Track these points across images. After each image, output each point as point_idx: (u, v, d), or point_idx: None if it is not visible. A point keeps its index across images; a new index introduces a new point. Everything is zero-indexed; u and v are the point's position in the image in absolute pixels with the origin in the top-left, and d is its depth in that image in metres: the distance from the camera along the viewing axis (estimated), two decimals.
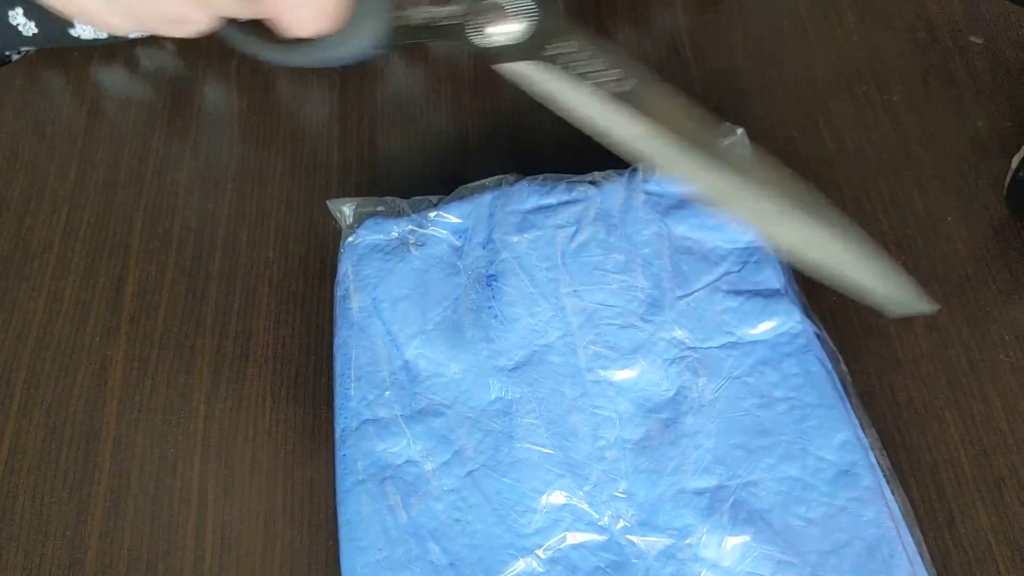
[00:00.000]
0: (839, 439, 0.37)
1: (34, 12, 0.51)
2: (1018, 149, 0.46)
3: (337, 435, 0.39)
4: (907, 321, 0.43)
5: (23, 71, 0.53)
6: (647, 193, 0.43)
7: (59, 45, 0.53)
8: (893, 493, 0.36)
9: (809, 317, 0.40)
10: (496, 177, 0.45)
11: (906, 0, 0.54)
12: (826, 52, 0.52)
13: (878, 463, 0.37)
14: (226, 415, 0.42)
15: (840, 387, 0.39)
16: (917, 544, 0.36)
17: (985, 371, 0.42)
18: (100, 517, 0.40)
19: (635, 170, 0.43)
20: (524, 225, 0.42)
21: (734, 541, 0.35)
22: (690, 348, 0.39)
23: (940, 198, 0.47)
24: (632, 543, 0.35)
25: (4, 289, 0.46)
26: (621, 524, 0.36)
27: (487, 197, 0.43)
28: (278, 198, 0.48)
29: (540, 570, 0.35)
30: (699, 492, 0.36)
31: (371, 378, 0.39)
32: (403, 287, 0.41)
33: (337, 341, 0.41)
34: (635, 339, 0.39)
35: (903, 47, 0.52)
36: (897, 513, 0.36)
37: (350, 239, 0.43)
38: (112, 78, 0.53)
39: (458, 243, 0.42)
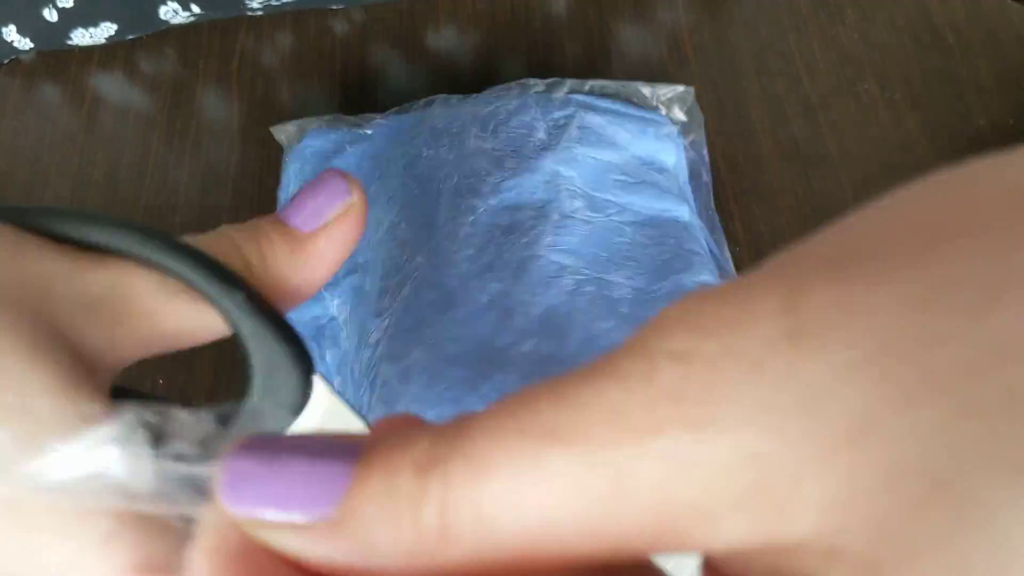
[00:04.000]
0: (703, 279, 0.39)
1: (28, 29, 0.51)
2: (1020, 147, 0.46)
3: None
4: None
5: (24, 70, 0.53)
6: (571, 94, 0.46)
7: (58, 49, 0.53)
8: None
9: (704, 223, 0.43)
10: (436, 96, 0.47)
11: None
12: (827, 50, 0.52)
13: None
14: None
15: (722, 261, 0.41)
16: None
17: None
18: None
19: (561, 80, 0.46)
20: (446, 108, 0.45)
21: (581, 299, 0.37)
22: (571, 180, 0.41)
23: None
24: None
25: None
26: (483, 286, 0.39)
27: (424, 110, 0.47)
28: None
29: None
30: (553, 262, 0.39)
31: None
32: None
33: None
34: (523, 164, 0.42)
35: (905, 45, 0.52)
36: None
37: (296, 147, 0.46)
38: (112, 78, 0.53)
39: (392, 140, 0.46)
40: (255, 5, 0.53)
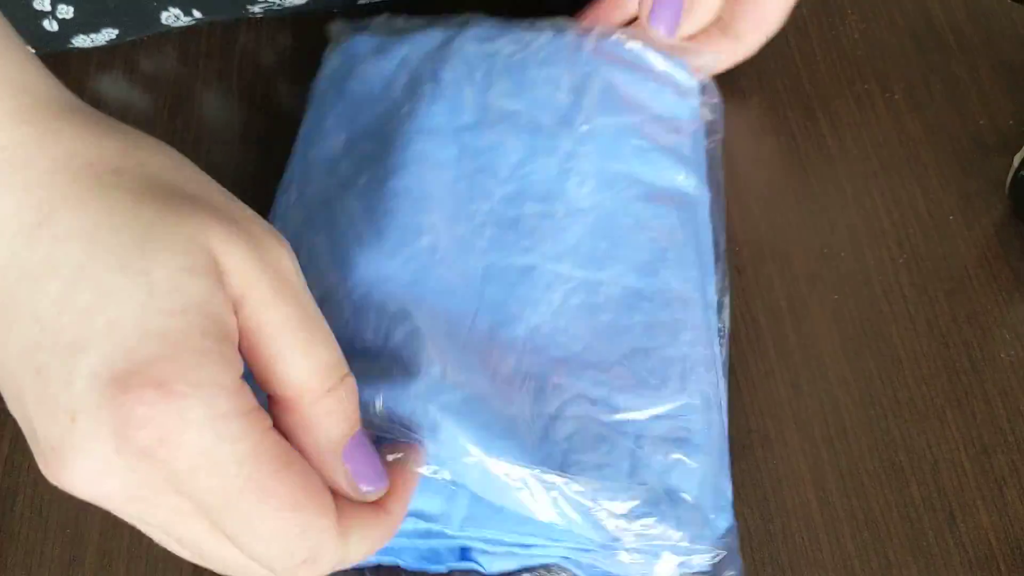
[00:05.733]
0: (687, 275, 0.40)
1: (27, 38, 0.51)
2: (1020, 148, 0.46)
3: (282, 184, 0.45)
4: (908, 320, 0.43)
5: None
6: (601, 42, 0.46)
7: (58, 51, 0.53)
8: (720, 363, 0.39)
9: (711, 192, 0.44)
10: (469, 14, 0.48)
11: None
12: (828, 50, 0.52)
13: (720, 334, 0.41)
14: None
15: (711, 248, 0.42)
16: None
17: (986, 369, 0.42)
18: (100, 515, 0.40)
19: (593, 29, 0.47)
20: (479, 39, 0.46)
21: (564, 316, 0.39)
22: (586, 158, 0.42)
23: (942, 197, 0.47)
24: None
25: None
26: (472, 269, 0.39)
27: (456, 24, 0.47)
28: None
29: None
30: (547, 272, 0.39)
31: (322, 145, 0.44)
32: (367, 84, 0.46)
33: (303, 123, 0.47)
34: (538, 139, 0.43)
35: (905, 45, 0.52)
36: (716, 362, 0.39)
37: (339, 45, 0.48)
38: (112, 78, 0.53)
39: (423, 50, 0.46)
40: (256, 10, 0.53)
